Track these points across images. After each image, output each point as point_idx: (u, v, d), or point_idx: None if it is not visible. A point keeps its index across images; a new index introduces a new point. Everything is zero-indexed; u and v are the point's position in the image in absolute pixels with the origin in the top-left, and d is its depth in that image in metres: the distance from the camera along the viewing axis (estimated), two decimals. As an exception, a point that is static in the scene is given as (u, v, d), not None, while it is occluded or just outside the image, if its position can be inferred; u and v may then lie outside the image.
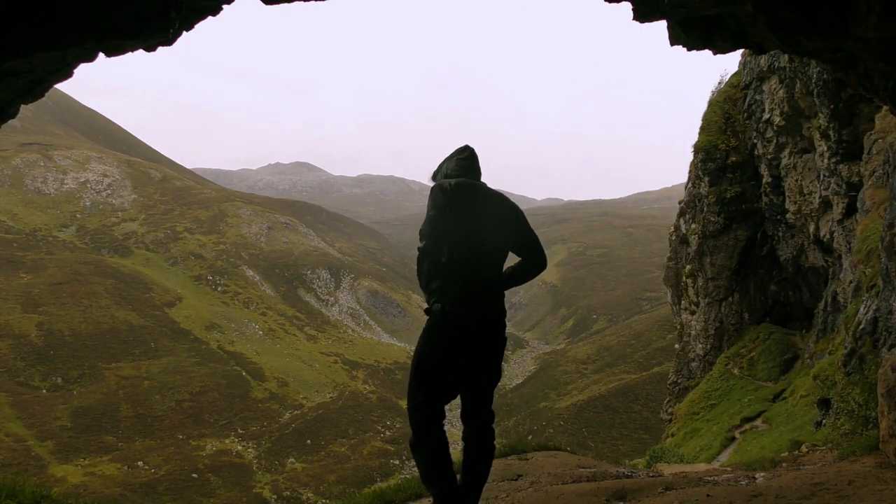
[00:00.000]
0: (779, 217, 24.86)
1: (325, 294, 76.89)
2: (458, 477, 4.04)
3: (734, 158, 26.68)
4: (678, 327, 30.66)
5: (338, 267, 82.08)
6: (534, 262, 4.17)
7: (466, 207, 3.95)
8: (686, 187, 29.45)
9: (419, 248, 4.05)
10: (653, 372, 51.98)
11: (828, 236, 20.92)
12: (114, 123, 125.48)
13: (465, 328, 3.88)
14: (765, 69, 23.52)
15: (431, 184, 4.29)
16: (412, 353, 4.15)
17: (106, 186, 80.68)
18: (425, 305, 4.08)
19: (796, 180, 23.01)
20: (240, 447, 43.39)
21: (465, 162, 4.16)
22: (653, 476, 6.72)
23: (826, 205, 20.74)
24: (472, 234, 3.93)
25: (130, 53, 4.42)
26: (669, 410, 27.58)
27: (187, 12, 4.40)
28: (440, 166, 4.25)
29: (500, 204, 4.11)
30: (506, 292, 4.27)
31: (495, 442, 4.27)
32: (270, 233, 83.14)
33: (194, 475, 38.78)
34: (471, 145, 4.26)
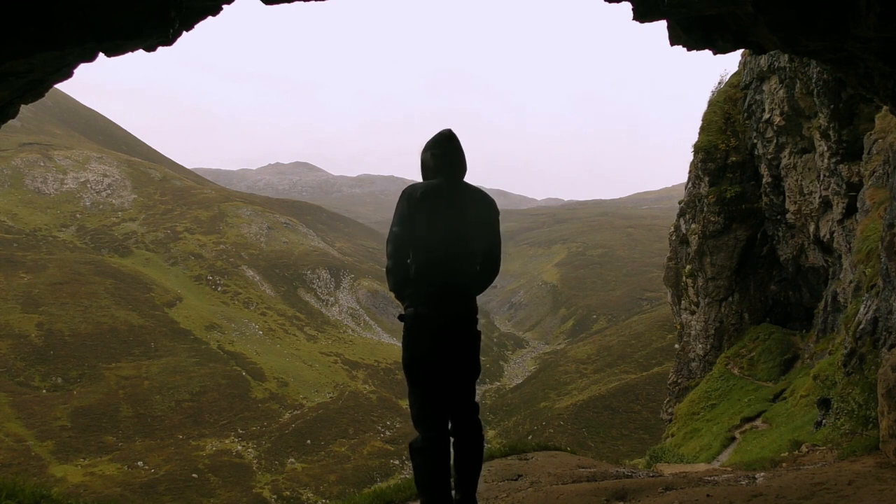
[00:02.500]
0: (779, 217, 24.85)
1: (325, 294, 76.87)
2: (453, 473, 4.06)
3: (734, 158, 26.67)
4: (678, 327, 30.66)
5: (338, 267, 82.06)
6: (489, 267, 4.13)
7: (435, 213, 3.90)
8: (686, 187, 29.45)
9: (387, 267, 4.03)
10: (653, 372, 51.96)
11: (828, 236, 20.91)
12: (114, 123, 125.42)
13: (439, 328, 3.90)
14: (765, 69, 23.52)
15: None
16: (402, 357, 4.16)
17: (106, 186, 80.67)
18: None
19: (796, 180, 23.01)
20: (240, 447, 43.38)
21: (441, 159, 4.04)
22: (653, 476, 6.72)
23: (826, 205, 20.73)
24: (441, 239, 3.90)
25: (130, 53, 4.43)
26: (669, 410, 27.58)
27: (187, 12, 4.40)
28: (422, 152, 4.14)
29: (477, 205, 4.05)
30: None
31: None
32: (270, 233, 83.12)
33: (194, 475, 38.78)
34: (451, 131, 4.09)
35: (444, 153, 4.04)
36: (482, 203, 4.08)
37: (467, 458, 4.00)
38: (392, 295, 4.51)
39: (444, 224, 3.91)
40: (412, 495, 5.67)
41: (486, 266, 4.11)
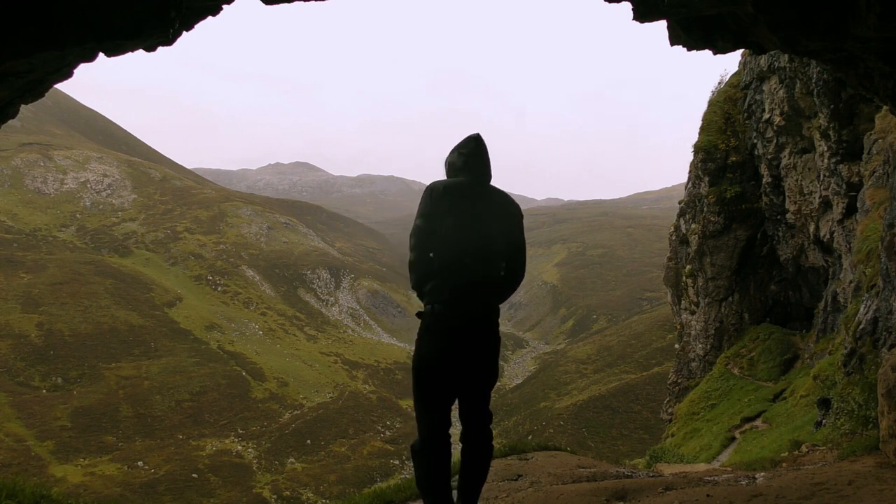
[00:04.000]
0: (779, 217, 24.86)
1: (325, 294, 76.89)
2: (457, 477, 4.05)
3: (734, 158, 26.67)
4: (678, 327, 30.66)
5: (338, 267, 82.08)
6: (513, 269, 4.04)
7: (458, 210, 3.88)
8: (686, 187, 29.45)
9: (409, 260, 4.00)
10: (653, 372, 51.95)
11: (828, 236, 20.91)
12: (114, 123, 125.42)
13: (457, 328, 3.84)
14: (765, 69, 23.51)
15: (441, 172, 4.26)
16: (412, 354, 4.14)
17: (106, 186, 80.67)
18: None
19: (796, 180, 23.01)
20: (240, 447, 43.38)
21: (467, 158, 4.06)
22: (653, 476, 6.72)
23: (826, 205, 20.73)
24: (464, 237, 3.86)
25: (130, 53, 4.42)
26: (669, 410, 27.58)
27: (187, 12, 4.40)
28: (449, 155, 4.18)
29: (499, 205, 4.03)
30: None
31: (495, 442, 4.26)
32: (270, 233, 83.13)
33: (194, 475, 38.77)
34: (479, 135, 4.12)
35: (471, 153, 4.05)
36: (506, 204, 4.04)
37: (473, 466, 3.96)
38: (410, 294, 4.50)
39: (467, 222, 3.88)
40: (412, 495, 5.67)
41: (511, 268, 4.02)
